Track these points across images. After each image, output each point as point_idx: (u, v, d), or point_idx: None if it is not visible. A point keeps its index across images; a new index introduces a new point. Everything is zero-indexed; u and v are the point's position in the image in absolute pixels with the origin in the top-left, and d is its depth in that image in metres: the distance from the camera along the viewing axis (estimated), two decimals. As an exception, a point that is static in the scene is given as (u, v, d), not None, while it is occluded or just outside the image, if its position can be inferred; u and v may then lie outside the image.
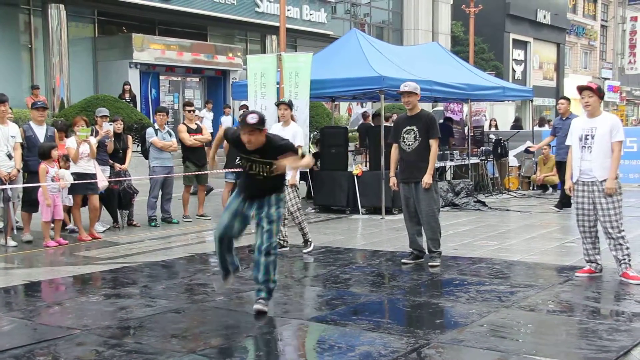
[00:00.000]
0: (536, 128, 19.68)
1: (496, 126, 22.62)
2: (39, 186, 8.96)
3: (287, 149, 5.59)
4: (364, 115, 18.30)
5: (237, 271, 6.02)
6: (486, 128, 21.40)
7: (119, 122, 10.61)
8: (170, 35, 22.69)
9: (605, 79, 50.16)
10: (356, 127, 22.02)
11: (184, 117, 12.01)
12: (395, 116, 15.21)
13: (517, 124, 23.16)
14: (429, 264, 7.50)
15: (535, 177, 15.48)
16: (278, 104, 9.98)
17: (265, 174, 5.57)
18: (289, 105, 9.96)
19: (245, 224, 5.72)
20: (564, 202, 11.84)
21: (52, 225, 9.20)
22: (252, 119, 5.34)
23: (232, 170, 11.48)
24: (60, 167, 9.26)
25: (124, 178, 10.37)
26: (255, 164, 5.57)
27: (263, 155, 5.52)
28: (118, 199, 10.38)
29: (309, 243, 8.49)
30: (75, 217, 9.53)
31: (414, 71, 12.59)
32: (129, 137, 11.04)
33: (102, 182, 9.70)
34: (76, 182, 9.26)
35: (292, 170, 5.55)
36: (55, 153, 9.07)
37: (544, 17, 42.47)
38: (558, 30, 44.59)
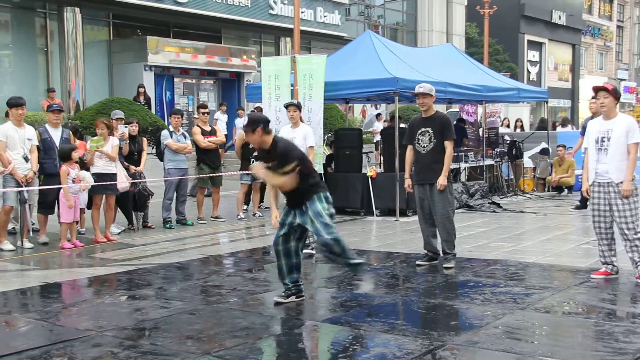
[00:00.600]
0: (559, 129, 19.60)
1: (522, 127, 22.44)
2: (56, 188, 9.03)
3: (284, 159, 5.76)
4: (388, 119, 18.30)
5: (295, 294, 6.05)
6: (512, 129, 21.28)
7: (134, 125, 10.67)
8: (184, 38, 22.77)
9: (621, 79, 49.84)
10: (370, 129, 22.04)
11: (198, 119, 12.04)
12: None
13: (542, 125, 23.04)
14: (444, 265, 7.48)
15: (551, 179, 15.39)
16: (287, 106, 10.01)
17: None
18: (298, 106, 9.98)
19: (292, 233, 5.93)
20: (583, 203, 11.77)
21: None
22: (244, 122, 5.87)
23: (247, 172, 11.52)
24: (80, 169, 9.32)
25: (139, 180, 10.42)
26: (272, 169, 5.84)
27: (274, 160, 5.81)
28: (133, 201, 10.43)
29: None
30: (94, 218, 9.58)
31: (428, 73, 12.57)
32: (144, 139, 11.10)
33: (122, 183, 9.75)
34: (97, 183, 9.33)
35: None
36: (75, 155, 9.13)
37: (559, 17, 42.27)
38: (573, 31, 44.36)
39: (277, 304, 5.96)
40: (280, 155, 5.79)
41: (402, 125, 13.16)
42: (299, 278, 6.07)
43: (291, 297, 6.02)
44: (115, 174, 9.62)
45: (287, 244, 5.95)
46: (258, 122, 5.79)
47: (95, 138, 9.60)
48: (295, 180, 5.75)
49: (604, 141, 6.65)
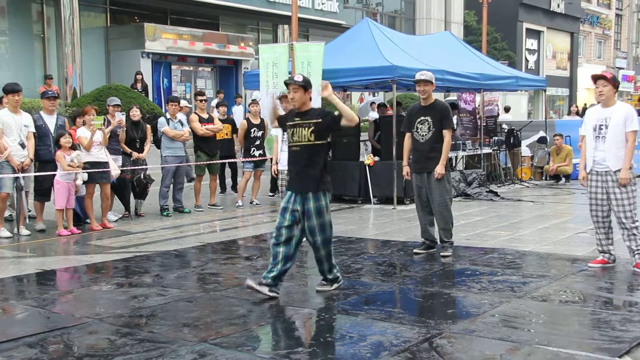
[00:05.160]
0: (567, 117, 19.62)
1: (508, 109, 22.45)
2: (51, 175, 9.00)
3: (329, 111, 5.94)
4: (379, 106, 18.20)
5: (271, 286, 5.84)
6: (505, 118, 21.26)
7: (134, 110, 10.57)
8: (182, 25, 22.69)
9: (620, 68, 49.77)
10: (366, 117, 21.98)
11: (196, 107, 12.02)
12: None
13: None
14: (441, 254, 7.48)
15: (548, 167, 15.40)
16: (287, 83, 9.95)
17: (303, 141, 5.82)
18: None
19: (295, 219, 5.84)
20: None
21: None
22: (298, 77, 5.90)
23: (250, 159, 11.52)
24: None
25: (139, 167, 10.35)
26: (297, 128, 5.85)
27: (305, 117, 5.86)
28: (133, 188, 10.40)
29: None
30: (87, 207, 9.56)
31: (426, 60, 12.53)
32: (149, 126, 10.96)
33: (114, 170, 9.74)
34: (89, 170, 9.30)
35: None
36: (63, 141, 9.04)
37: (558, 6, 42.13)
38: (572, 19, 44.23)
39: (250, 287, 5.77)
40: (325, 111, 6.00)
41: (390, 112, 13.16)
42: (286, 271, 5.88)
43: (263, 287, 5.75)
44: (107, 162, 9.59)
45: (291, 232, 5.80)
46: (311, 84, 5.97)
47: (98, 117, 9.64)
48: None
49: (601, 129, 6.64)
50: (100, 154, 9.53)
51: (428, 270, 6.91)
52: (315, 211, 5.80)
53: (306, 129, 5.81)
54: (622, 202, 6.57)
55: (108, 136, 9.70)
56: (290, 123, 5.94)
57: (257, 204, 11.81)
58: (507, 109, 22.98)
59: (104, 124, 9.66)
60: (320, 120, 5.82)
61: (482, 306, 5.46)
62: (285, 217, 5.82)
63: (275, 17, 25.36)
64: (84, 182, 9.39)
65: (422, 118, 7.55)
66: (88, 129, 9.47)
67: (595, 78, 6.72)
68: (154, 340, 4.71)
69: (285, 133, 6.22)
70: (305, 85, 5.85)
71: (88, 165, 9.34)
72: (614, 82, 6.64)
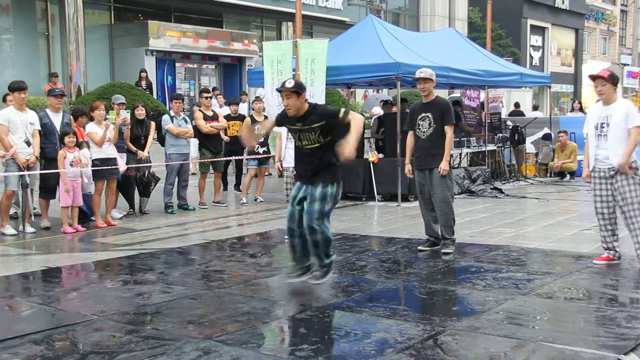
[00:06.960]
0: (571, 114, 19.58)
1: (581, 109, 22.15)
2: (56, 173, 9.01)
3: (330, 112, 5.83)
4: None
5: (306, 270, 6.03)
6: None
7: (139, 108, 10.58)
8: (186, 22, 22.69)
9: (625, 64, 49.60)
10: (371, 109, 21.91)
11: (201, 104, 12.03)
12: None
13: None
14: (442, 251, 7.47)
15: (553, 164, 15.37)
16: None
17: (313, 144, 5.78)
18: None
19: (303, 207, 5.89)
20: None
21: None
22: (289, 82, 5.74)
23: (254, 157, 11.53)
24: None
25: (143, 165, 10.36)
26: (302, 133, 5.81)
27: (309, 123, 5.77)
28: (137, 186, 10.41)
29: None
30: (95, 203, 9.56)
31: (430, 57, 12.51)
32: (153, 123, 10.96)
33: (122, 167, 9.75)
34: (99, 167, 9.31)
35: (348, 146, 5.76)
36: (67, 140, 9.05)
37: (562, 2, 41.97)
38: (576, 15, 44.07)
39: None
40: (326, 111, 5.84)
41: (394, 110, 13.13)
42: (311, 264, 6.01)
43: (302, 277, 6.00)
44: (115, 159, 9.61)
45: (302, 222, 5.86)
46: (304, 87, 5.83)
47: (112, 111, 9.67)
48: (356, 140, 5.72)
49: (603, 127, 6.63)
50: (109, 150, 9.55)
51: (432, 268, 6.91)
52: (320, 196, 5.78)
53: (313, 133, 5.77)
54: (627, 200, 6.55)
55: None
56: (294, 127, 5.88)
57: (261, 201, 11.82)
58: (535, 107, 22.75)
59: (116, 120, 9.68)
60: (324, 122, 5.74)
61: (487, 303, 5.46)
62: (295, 206, 5.87)
63: (279, 14, 25.34)
64: (93, 179, 9.41)
65: (423, 115, 7.56)
66: (97, 125, 9.49)
67: (593, 78, 6.70)
68: (158, 337, 4.72)
69: (289, 133, 6.18)
70: (298, 90, 5.73)
71: (98, 161, 9.36)
72: (612, 80, 6.61)
